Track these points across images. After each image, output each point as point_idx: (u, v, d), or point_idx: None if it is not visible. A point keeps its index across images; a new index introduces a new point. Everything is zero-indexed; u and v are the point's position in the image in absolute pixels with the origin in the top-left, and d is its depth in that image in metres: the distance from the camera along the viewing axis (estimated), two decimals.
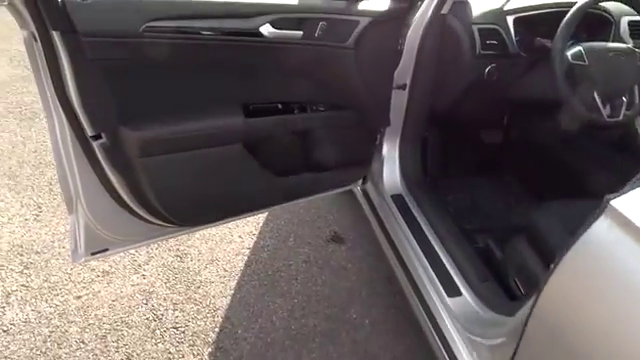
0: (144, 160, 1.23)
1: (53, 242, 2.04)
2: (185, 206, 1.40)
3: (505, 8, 1.59)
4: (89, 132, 1.16)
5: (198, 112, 1.17)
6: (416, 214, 1.67)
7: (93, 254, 1.41)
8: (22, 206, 2.26)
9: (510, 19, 1.59)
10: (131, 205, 1.33)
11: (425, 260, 1.46)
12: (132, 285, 1.94)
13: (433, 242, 1.52)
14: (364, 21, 1.30)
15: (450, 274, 1.41)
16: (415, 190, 1.75)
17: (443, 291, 1.34)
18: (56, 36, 1.02)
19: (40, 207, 2.24)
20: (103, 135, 1.18)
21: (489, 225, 1.76)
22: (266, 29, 1.16)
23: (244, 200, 1.52)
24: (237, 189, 1.45)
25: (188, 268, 2.04)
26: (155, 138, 1.21)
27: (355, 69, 1.34)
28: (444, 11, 1.56)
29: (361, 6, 1.28)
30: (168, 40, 1.14)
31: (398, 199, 1.77)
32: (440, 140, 1.93)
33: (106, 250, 1.42)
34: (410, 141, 1.81)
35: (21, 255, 1.98)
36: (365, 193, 1.85)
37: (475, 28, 1.55)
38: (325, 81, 1.35)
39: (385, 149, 1.78)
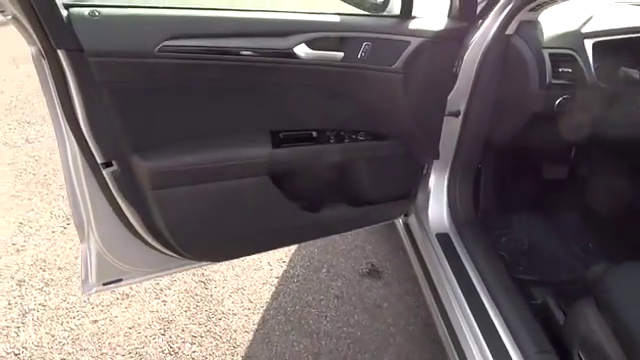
0: (157, 193, 1.13)
1: (77, 258, 1.97)
2: (202, 242, 1.29)
3: (583, 30, 1.40)
4: (99, 159, 1.07)
5: (219, 141, 1.10)
6: (463, 258, 1.49)
7: (105, 284, 1.32)
8: (51, 217, 2.23)
9: (589, 43, 1.38)
10: (144, 236, 1.23)
11: (471, 315, 1.29)
12: (151, 312, 1.84)
13: (481, 293, 1.35)
14: (416, 42, 1.18)
15: (500, 338, 1.22)
16: (464, 230, 1.58)
17: (491, 359, 1.15)
18: (61, 55, 0.93)
19: (69, 219, 2.19)
20: (114, 163, 1.09)
21: (549, 277, 1.56)
22: (301, 49, 1.07)
23: (268, 235, 1.39)
24: (261, 224, 1.33)
25: (211, 296, 1.93)
26: (170, 169, 1.11)
27: (403, 95, 1.22)
28: (509, 31, 1.36)
29: (412, 25, 1.17)
30: (188, 61, 1.04)
31: (444, 239, 1.59)
32: (495, 173, 1.77)
33: (119, 280, 1.35)
34: (461, 174, 1.62)
35: (43, 270, 1.94)
36: (407, 227, 1.72)
37: (546, 53, 1.36)
38: (367, 108, 1.26)
39: (432, 181, 1.62)
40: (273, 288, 1.98)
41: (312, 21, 1.08)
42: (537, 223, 1.86)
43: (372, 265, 2.17)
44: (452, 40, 1.26)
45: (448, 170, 1.61)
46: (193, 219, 1.18)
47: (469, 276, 1.42)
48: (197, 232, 1.25)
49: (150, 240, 1.25)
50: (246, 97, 1.09)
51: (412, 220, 1.69)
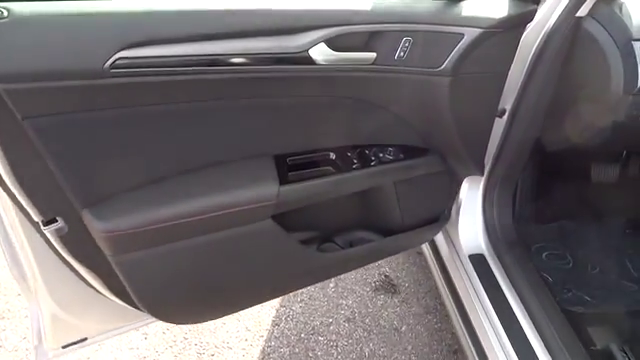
0: (120, 258, 0.89)
1: None
2: (184, 309, 1.08)
3: None
4: (36, 217, 0.82)
5: (204, 181, 0.91)
6: (502, 283, 1.31)
7: (66, 347, 1.12)
8: None
9: None
10: (108, 297, 1.02)
11: (512, 349, 1.13)
12: (130, 349, 1.57)
13: (525, 327, 1.19)
14: (471, 34, 0.98)
15: None
16: (502, 250, 1.39)
17: None
18: None
19: None
20: (59, 219, 0.84)
21: (602, 305, 1.37)
22: (319, 51, 0.87)
23: (273, 286, 1.19)
24: (263, 276, 1.13)
25: (201, 325, 1.65)
26: (136, 229, 0.86)
27: (449, 103, 1.05)
28: (581, 13, 1.09)
29: (467, 11, 0.97)
30: (156, 78, 0.77)
31: (478, 260, 1.40)
32: (535, 178, 1.60)
33: (84, 340, 1.15)
34: (501, 184, 1.41)
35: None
36: (434, 246, 1.54)
37: (638, 46, 1.04)
38: (402, 120, 1.11)
39: (464, 192, 1.42)
40: (274, 311, 1.72)
41: (333, 12, 0.87)
42: (582, 234, 1.65)
43: (386, 276, 1.93)
44: (515, 28, 1.05)
45: (485, 179, 1.41)
46: (172, 284, 0.98)
47: (509, 304, 1.25)
48: (178, 299, 1.03)
49: (117, 301, 1.03)
50: (240, 118, 0.91)
51: (439, 238, 1.51)
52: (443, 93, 1.02)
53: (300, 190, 1.01)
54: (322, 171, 1.08)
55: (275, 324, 1.70)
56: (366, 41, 0.91)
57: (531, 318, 1.27)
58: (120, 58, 0.69)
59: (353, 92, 0.98)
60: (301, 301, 1.80)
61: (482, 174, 1.33)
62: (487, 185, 1.42)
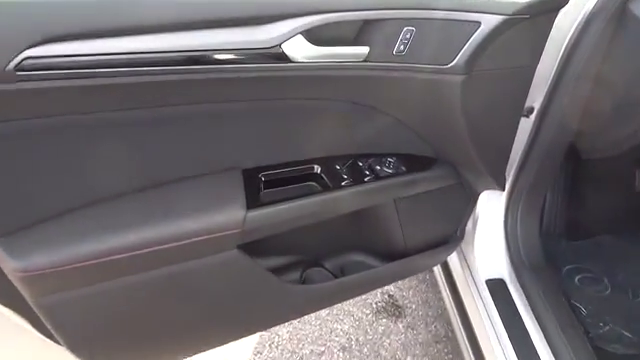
0: (41, 301, 0.83)
1: None
2: (127, 356, 1.03)
3: None
4: None
5: (147, 208, 0.85)
6: (524, 313, 1.27)
7: None
8: None
9: None
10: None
11: None
12: None
13: None
14: (489, 22, 0.92)
15: None
16: (526, 275, 1.35)
17: None
18: None
19: None
20: None
21: None
22: (295, 45, 0.81)
23: (239, 325, 1.15)
24: (226, 315, 1.08)
25: None
26: (61, 266, 0.79)
27: (463, 106, 1.01)
28: None
29: None
30: (79, 81, 0.69)
31: (497, 286, 1.37)
32: (566, 187, 1.58)
33: None
34: (526, 196, 1.38)
35: None
36: (446, 268, 1.54)
37: None
38: (402, 126, 1.09)
39: (481, 207, 1.40)
40: (257, 337, 1.68)
41: None
42: (623, 253, 1.61)
43: (389, 296, 1.87)
44: (545, 14, 0.99)
45: (507, 191, 1.38)
46: (113, 330, 0.93)
47: (531, 340, 1.22)
48: (121, 348, 0.99)
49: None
50: (197, 126, 0.87)
51: (452, 258, 1.50)
52: (454, 94, 0.99)
53: (274, 214, 0.95)
54: (305, 188, 1.05)
55: (257, 352, 1.66)
56: (356, 32, 0.88)
57: (556, 358, 1.22)
58: (29, 57, 0.62)
59: (341, 94, 0.96)
60: (289, 324, 1.75)
61: (503, 188, 1.29)
62: (510, 197, 1.38)
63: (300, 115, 0.98)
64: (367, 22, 0.86)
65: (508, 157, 1.23)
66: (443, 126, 1.09)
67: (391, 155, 1.13)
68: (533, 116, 1.24)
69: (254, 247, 1.00)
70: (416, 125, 1.09)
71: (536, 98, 1.23)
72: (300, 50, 0.81)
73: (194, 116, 0.86)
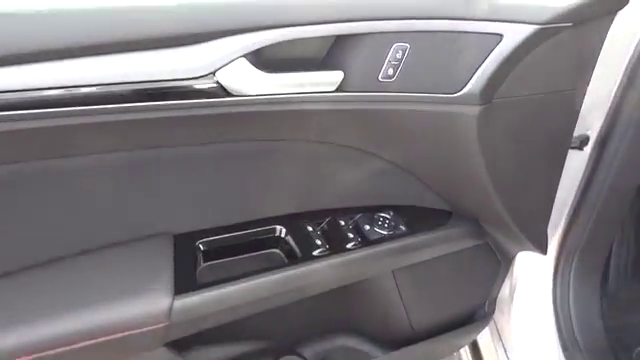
0: None
1: None
2: None
3: None
4: None
5: (38, 294, 0.84)
6: None
7: None
8: None
9: None
10: None
11: None
12: None
13: None
14: (515, 36, 0.90)
15: None
16: None
17: None
18: None
19: None
20: None
21: None
22: (237, 73, 0.79)
23: None
24: None
25: None
26: None
27: (479, 144, 1.00)
28: None
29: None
30: None
31: None
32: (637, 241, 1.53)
33: None
34: (582, 259, 1.38)
35: None
36: (475, 350, 1.54)
37: None
38: (399, 170, 1.11)
39: (519, 275, 1.39)
40: None
41: (259, 5, 0.80)
42: None
43: None
44: (598, 19, 0.98)
45: (555, 249, 1.37)
46: None
47: None
48: None
49: None
50: (107, 180, 0.89)
51: (483, 342, 1.49)
52: (468, 130, 0.98)
53: (215, 300, 0.92)
54: (263, 258, 1.04)
55: None
56: (326, 52, 0.87)
57: None
58: None
59: (307, 133, 0.96)
60: None
61: (544, 251, 1.27)
62: (559, 257, 1.38)
63: (254, 160, 0.99)
64: (341, 38, 0.85)
65: (550, 208, 1.22)
66: (456, 170, 1.09)
67: (386, 209, 1.13)
68: (589, 147, 1.22)
69: (195, 339, 0.98)
70: (418, 169, 1.10)
71: (591, 125, 1.21)
72: (243, 79, 0.79)
73: (104, 167, 0.86)
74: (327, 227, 1.10)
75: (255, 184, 1.02)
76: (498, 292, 1.40)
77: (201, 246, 0.99)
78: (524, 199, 1.19)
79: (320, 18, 0.83)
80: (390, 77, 0.89)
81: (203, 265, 0.98)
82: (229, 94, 0.80)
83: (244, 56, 0.78)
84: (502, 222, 1.19)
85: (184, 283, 0.90)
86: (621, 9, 1.02)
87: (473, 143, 1.00)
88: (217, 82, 0.78)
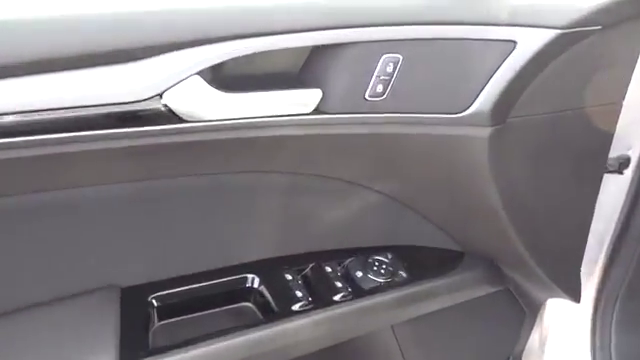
0: None
1: None
2: None
3: None
4: None
5: None
6: None
7: None
8: None
9: None
10: None
11: None
12: None
13: None
14: (530, 40, 0.91)
15: None
16: None
17: None
18: None
19: None
20: None
21: None
22: (188, 95, 0.78)
23: None
24: None
25: None
26: None
27: (492, 172, 1.02)
28: None
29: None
30: None
31: None
32: None
33: None
34: (626, 303, 1.40)
35: None
36: None
37: None
38: (397, 204, 1.13)
39: (549, 322, 1.40)
40: None
41: (216, 13, 0.81)
42: None
43: None
44: (632, 24, 1.00)
45: (593, 296, 1.39)
46: None
47: None
48: None
49: None
50: (41, 222, 0.91)
51: None
52: (477, 156, 1.00)
53: None
54: (233, 314, 1.05)
55: None
56: (299, 67, 0.88)
57: None
58: None
59: (281, 164, 0.97)
60: None
61: (577, 298, 1.29)
62: (597, 302, 1.40)
63: (218, 197, 0.99)
64: (318, 50, 0.85)
65: (583, 246, 1.24)
66: (465, 204, 1.12)
67: (382, 251, 1.14)
68: (630, 170, 1.25)
69: None
70: (419, 203, 1.12)
71: (632, 143, 1.23)
72: (197, 102, 0.78)
73: (33, 208, 0.87)
74: (310, 275, 1.10)
75: (221, 225, 1.02)
76: (524, 346, 1.40)
77: (154, 301, 0.99)
78: (550, 236, 1.19)
79: (292, 26, 0.82)
80: (379, 95, 0.89)
81: (157, 324, 0.98)
82: (181, 120, 0.79)
83: (198, 73, 0.77)
84: (524, 264, 1.19)
85: (133, 348, 0.90)
86: None
87: (484, 171, 1.00)
88: (165, 105, 0.77)
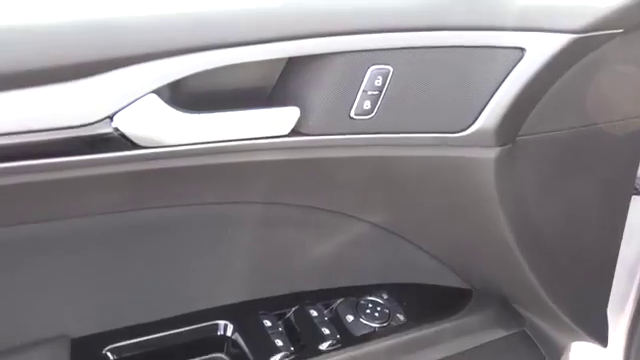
0: None
1: None
2: None
3: None
4: None
5: None
6: None
7: None
8: None
9: None
10: None
11: None
12: None
13: None
14: (540, 47, 0.92)
15: None
16: None
17: None
18: None
19: None
20: None
21: None
22: (143, 117, 0.77)
23: None
24: None
25: None
26: None
27: (501, 199, 1.04)
28: None
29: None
30: None
31: None
32: None
33: None
34: None
35: None
36: None
37: None
38: (394, 237, 1.15)
39: None
40: None
41: (177, 19, 0.79)
42: None
43: None
44: None
45: (623, 339, 1.43)
46: None
47: None
48: None
49: None
50: None
51: None
52: (482, 180, 1.02)
53: None
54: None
55: None
56: (274, 82, 0.88)
57: None
58: None
59: (255, 193, 0.99)
60: None
61: (604, 342, 1.29)
62: (628, 351, 1.43)
63: (183, 231, 1.00)
64: (295, 62, 0.84)
65: (609, 281, 1.25)
66: (469, 235, 1.13)
67: (377, 290, 1.15)
68: None
69: None
70: (417, 234, 1.13)
71: None
72: (153, 124, 0.77)
73: None
74: (293, 320, 1.09)
75: (188, 263, 1.02)
76: None
77: (110, 354, 0.98)
78: (570, 269, 1.21)
79: (264, 35, 0.81)
80: (367, 113, 0.88)
81: None
82: (135, 145, 0.77)
83: (154, 92, 0.75)
84: (541, 302, 1.20)
85: None
86: None
87: (491, 197, 1.02)
88: (116, 129, 0.75)
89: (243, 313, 1.08)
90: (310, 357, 1.06)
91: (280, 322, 1.08)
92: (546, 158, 1.05)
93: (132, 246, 0.99)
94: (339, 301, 1.12)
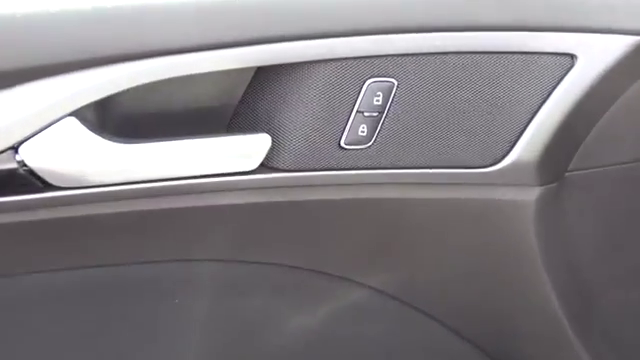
0: None
1: None
2: None
3: None
4: None
5: None
6: None
7: None
8: None
9: None
10: None
11: None
12: None
13: None
14: (597, 53, 0.93)
15: None
16: None
17: None
18: None
19: None
20: None
21: None
22: (55, 148, 0.78)
23: None
24: None
25: None
26: None
27: (543, 254, 1.05)
28: None
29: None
30: None
31: None
32: None
33: None
34: None
35: None
36: None
37: None
38: (400, 305, 1.13)
39: None
40: None
41: (105, 17, 0.79)
42: None
43: None
44: None
45: None
46: None
47: None
48: None
49: None
50: None
51: None
52: (518, 229, 1.03)
53: None
54: None
55: None
56: (237, 100, 0.89)
57: None
58: None
59: (213, 248, 0.97)
60: None
61: None
62: None
63: (122, 297, 1.00)
64: (266, 73, 0.84)
65: None
66: (503, 302, 1.14)
67: None
68: None
69: None
70: (432, 304, 1.13)
71: None
72: (71, 157, 0.77)
73: None
74: None
75: (128, 338, 1.03)
76: None
77: None
78: (637, 342, 1.24)
79: (223, 36, 0.80)
80: (363, 141, 0.87)
81: None
82: (47, 185, 0.76)
83: (72, 114, 0.75)
84: None
85: None
86: None
87: (530, 252, 1.03)
88: (22, 164, 0.75)
89: None
90: None
91: None
92: (605, 200, 1.06)
93: (58, 313, 1.00)
94: None
